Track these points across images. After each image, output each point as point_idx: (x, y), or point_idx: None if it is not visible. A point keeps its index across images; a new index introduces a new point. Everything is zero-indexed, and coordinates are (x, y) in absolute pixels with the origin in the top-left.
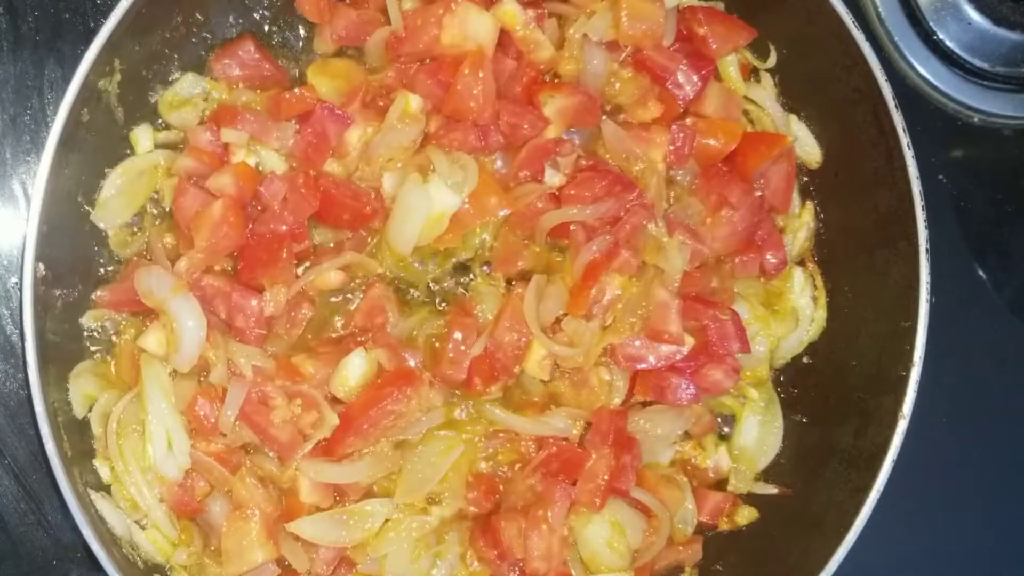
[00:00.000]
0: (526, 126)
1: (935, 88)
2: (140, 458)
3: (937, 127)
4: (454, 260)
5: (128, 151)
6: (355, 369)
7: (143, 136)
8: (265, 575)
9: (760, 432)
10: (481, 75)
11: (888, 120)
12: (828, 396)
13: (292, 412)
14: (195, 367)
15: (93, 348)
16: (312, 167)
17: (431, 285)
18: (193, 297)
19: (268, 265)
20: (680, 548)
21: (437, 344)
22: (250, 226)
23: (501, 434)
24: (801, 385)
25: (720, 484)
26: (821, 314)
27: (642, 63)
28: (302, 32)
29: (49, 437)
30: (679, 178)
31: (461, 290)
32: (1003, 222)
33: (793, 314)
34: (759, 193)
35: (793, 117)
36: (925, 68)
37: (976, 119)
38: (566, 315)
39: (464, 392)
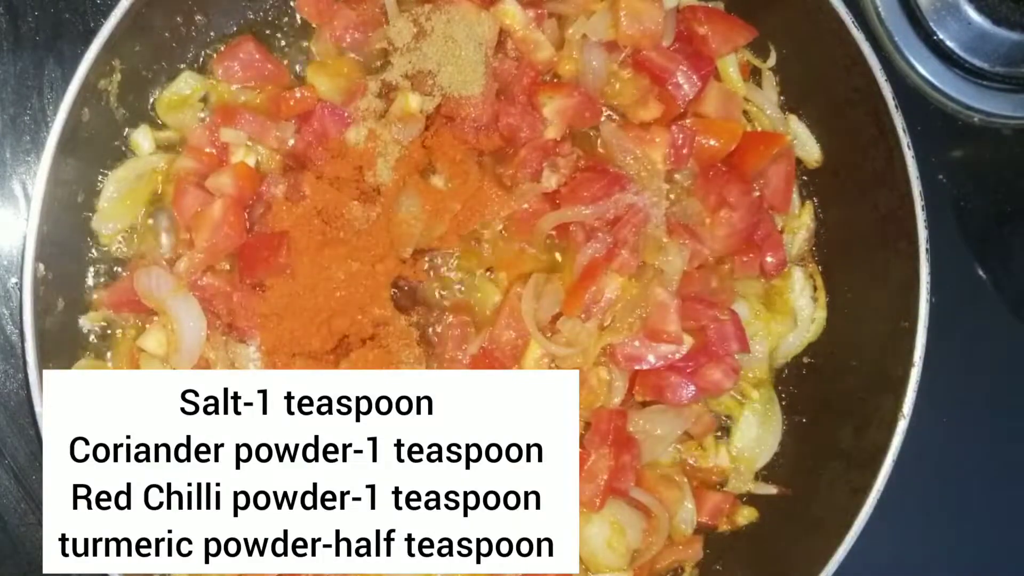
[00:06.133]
0: (525, 127)
1: (935, 88)
2: None
3: (937, 127)
4: (455, 265)
5: (128, 151)
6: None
7: (143, 138)
8: None
9: (759, 432)
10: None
11: (888, 120)
12: (828, 396)
13: None
14: (195, 367)
15: (93, 348)
16: (312, 166)
17: (431, 285)
18: (193, 297)
19: (269, 263)
20: (680, 548)
21: (437, 343)
22: (250, 225)
23: None
24: (801, 385)
25: (720, 484)
26: (821, 314)
27: (641, 63)
28: (302, 32)
29: None
30: (679, 178)
31: (461, 288)
32: (1003, 222)
33: (793, 314)
34: (758, 193)
35: (793, 117)
36: (925, 68)
37: (976, 119)
38: (560, 315)
39: None
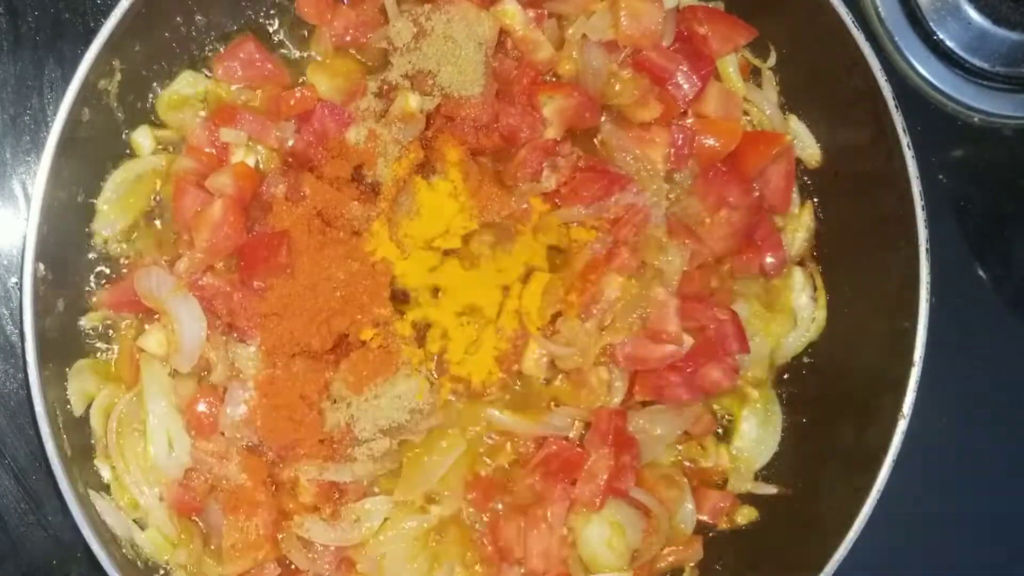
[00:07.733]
0: (525, 127)
1: (935, 88)
2: (141, 457)
3: (937, 127)
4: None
5: (128, 151)
6: None
7: (143, 138)
8: (266, 574)
9: (759, 432)
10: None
11: (888, 120)
12: (828, 396)
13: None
14: (195, 367)
15: (93, 348)
16: (312, 166)
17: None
18: (193, 297)
19: (269, 263)
20: (680, 548)
21: (436, 342)
22: (251, 225)
23: (501, 435)
24: (801, 385)
25: (721, 484)
26: (821, 314)
27: (641, 63)
28: (302, 32)
29: (49, 437)
30: (679, 178)
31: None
32: (1003, 222)
33: (793, 314)
34: (758, 193)
35: (793, 117)
36: (925, 68)
37: (976, 119)
38: (559, 315)
39: (463, 391)
